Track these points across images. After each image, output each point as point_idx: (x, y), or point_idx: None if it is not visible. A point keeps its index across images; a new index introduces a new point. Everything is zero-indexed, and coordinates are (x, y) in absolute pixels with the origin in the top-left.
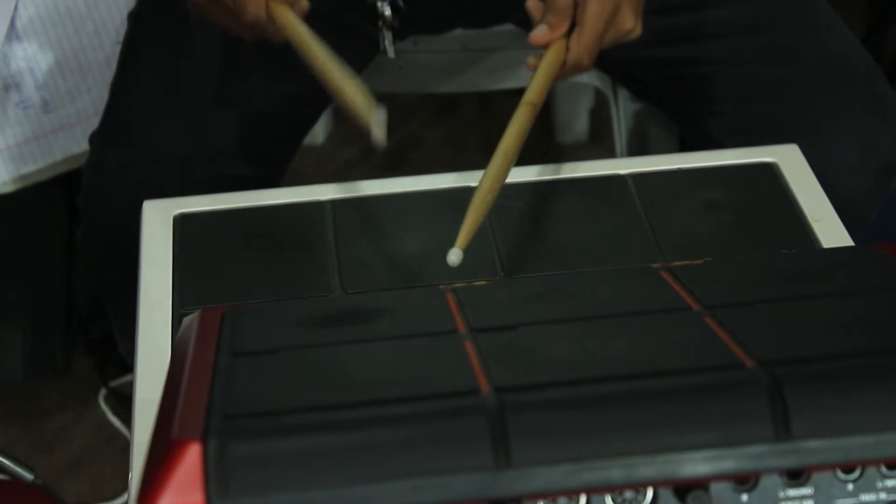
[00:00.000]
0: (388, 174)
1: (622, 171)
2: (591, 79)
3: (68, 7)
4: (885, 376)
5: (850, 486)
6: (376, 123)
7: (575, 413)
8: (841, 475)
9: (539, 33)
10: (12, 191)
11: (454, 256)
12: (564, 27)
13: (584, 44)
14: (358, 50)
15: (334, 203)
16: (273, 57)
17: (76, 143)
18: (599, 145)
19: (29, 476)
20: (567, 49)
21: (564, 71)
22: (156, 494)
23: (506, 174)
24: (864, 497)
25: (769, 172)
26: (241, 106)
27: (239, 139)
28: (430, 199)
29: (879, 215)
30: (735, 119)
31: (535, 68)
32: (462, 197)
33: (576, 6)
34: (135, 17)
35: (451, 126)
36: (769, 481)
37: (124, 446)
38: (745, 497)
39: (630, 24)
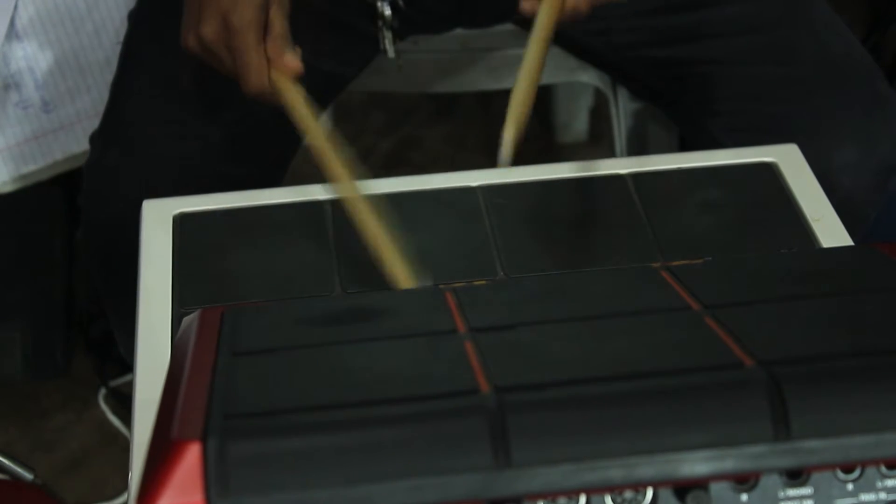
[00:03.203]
0: (388, 174)
1: (622, 171)
2: (591, 79)
3: (68, 7)
4: (885, 376)
5: (850, 486)
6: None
7: (575, 413)
8: (841, 475)
9: None
10: (12, 191)
11: (505, 154)
12: None
13: None
14: (358, 50)
15: (334, 203)
16: None
17: (76, 143)
18: (599, 145)
19: (29, 476)
20: None
21: (562, 15)
22: (156, 494)
23: (535, 86)
24: (864, 497)
25: (769, 172)
26: (242, 106)
27: (239, 139)
28: (430, 199)
29: (879, 215)
30: (735, 119)
31: (530, 12)
32: (462, 197)
33: None
34: (135, 18)
35: (451, 126)
36: (769, 481)
37: (124, 446)
38: (744, 497)
39: None
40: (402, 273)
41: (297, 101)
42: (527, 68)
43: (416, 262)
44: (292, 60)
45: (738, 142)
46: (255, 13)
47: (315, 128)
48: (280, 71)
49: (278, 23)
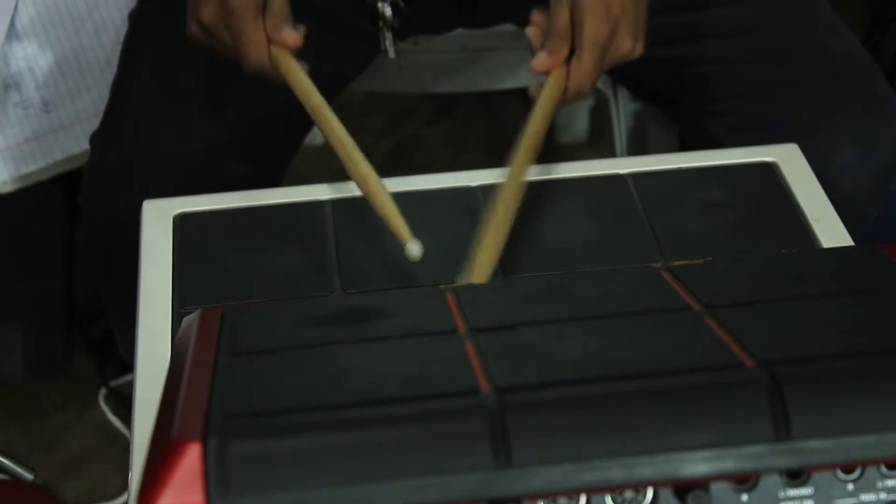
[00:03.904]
0: (389, 174)
1: (622, 171)
2: None
3: (68, 7)
4: (885, 376)
5: (850, 486)
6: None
7: (575, 413)
8: (841, 475)
9: (539, 61)
10: (12, 191)
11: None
12: (565, 52)
13: (584, 68)
14: (358, 50)
15: (334, 203)
16: None
17: (76, 143)
18: (599, 145)
19: (29, 476)
20: (568, 76)
21: (566, 98)
22: (156, 494)
23: (508, 226)
24: (864, 497)
25: (769, 172)
26: (242, 106)
27: (239, 139)
28: (430, 199)
29: (879, 215)
30: (735, 119)
31: (536, 96)
32: (462, 197)
33: (574, 28)
34: (136, 18)
35: (451, 126)
36: (769, 481)
37: (124, 446)
38: (745, 497)
39: (628, 45)
40: (402, 228)
41: (296, 72)
42: (507, 194)
43: (416, 261)
44: (291, 35)
45: (738, 142)
46: None
47: (317, 99)
48: (280, 46)
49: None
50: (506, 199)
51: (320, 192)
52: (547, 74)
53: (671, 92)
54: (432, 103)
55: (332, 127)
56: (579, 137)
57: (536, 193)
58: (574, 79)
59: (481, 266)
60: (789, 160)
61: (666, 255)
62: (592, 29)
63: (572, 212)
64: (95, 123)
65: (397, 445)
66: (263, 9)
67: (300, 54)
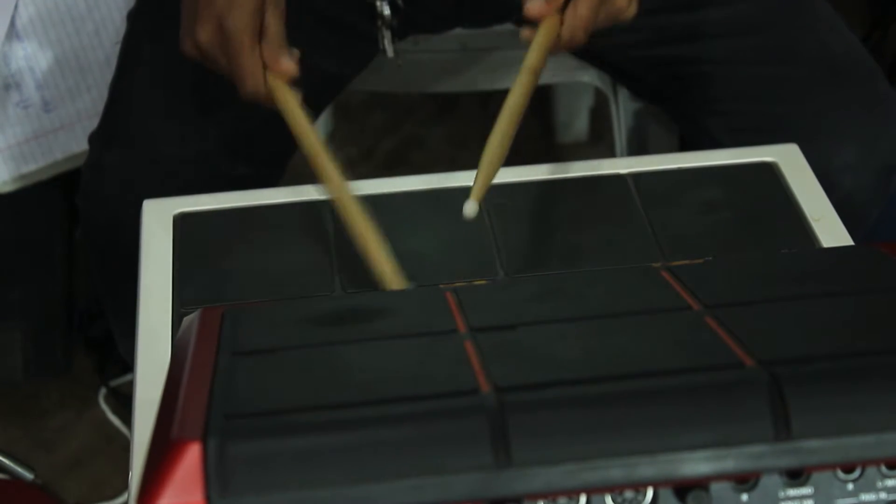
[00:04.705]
0: (389, 174)
1: (622, 171)
2: (591, 78)
3: (68, 7)
4: (885, 376)
5: (850, 486)
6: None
7: (575, 413)
8: (841, 475)
9: (535, 5)
10: (12, 190)
11: (470, 209)
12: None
13: (579, 16)
14: (357, 49)
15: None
16: None
17: (76, 143)
18: (599, 145)
19: (29, 475)
20: (562, 23)
21: (559, 45)
22: (156, 494)
23: (511, 135)
24: (864, 497)
25: (769, 172)
26: (241, 105)
27: (239, 139)
28: (430, 199)
29: (880, 215)
30: (735, 119)
31: (529, 40)
32: (462, 197)
33: None
34: (134, 17)
35: (451, 126)
36: (769, 481)
37: (124, 446)
38: (745, 497)
39: (624, 2)
40: (392, 278)
41: (291, 105)
42: (509, 108)
43: (416, 262)
44: (287, 64)
45: (738, 142)
46: (250, 17)
47: (309, 132)
48: (276, 74)
49: (273, 26)
50: (507, 118)
51: (320, 192)
52: (539, 22)
53: (671, 91)
54: (432, 103)
55: (326, 170)
56: (579, 137)
57: (537, 193)
58: (568, 26)
59: (484, 183)
60: (789, 160)
61: (666, 255)
62: None
63: (572, 212)
64: (95, 123)
65: (397, 445)
66: (260, 33)
67: (298, 63)
